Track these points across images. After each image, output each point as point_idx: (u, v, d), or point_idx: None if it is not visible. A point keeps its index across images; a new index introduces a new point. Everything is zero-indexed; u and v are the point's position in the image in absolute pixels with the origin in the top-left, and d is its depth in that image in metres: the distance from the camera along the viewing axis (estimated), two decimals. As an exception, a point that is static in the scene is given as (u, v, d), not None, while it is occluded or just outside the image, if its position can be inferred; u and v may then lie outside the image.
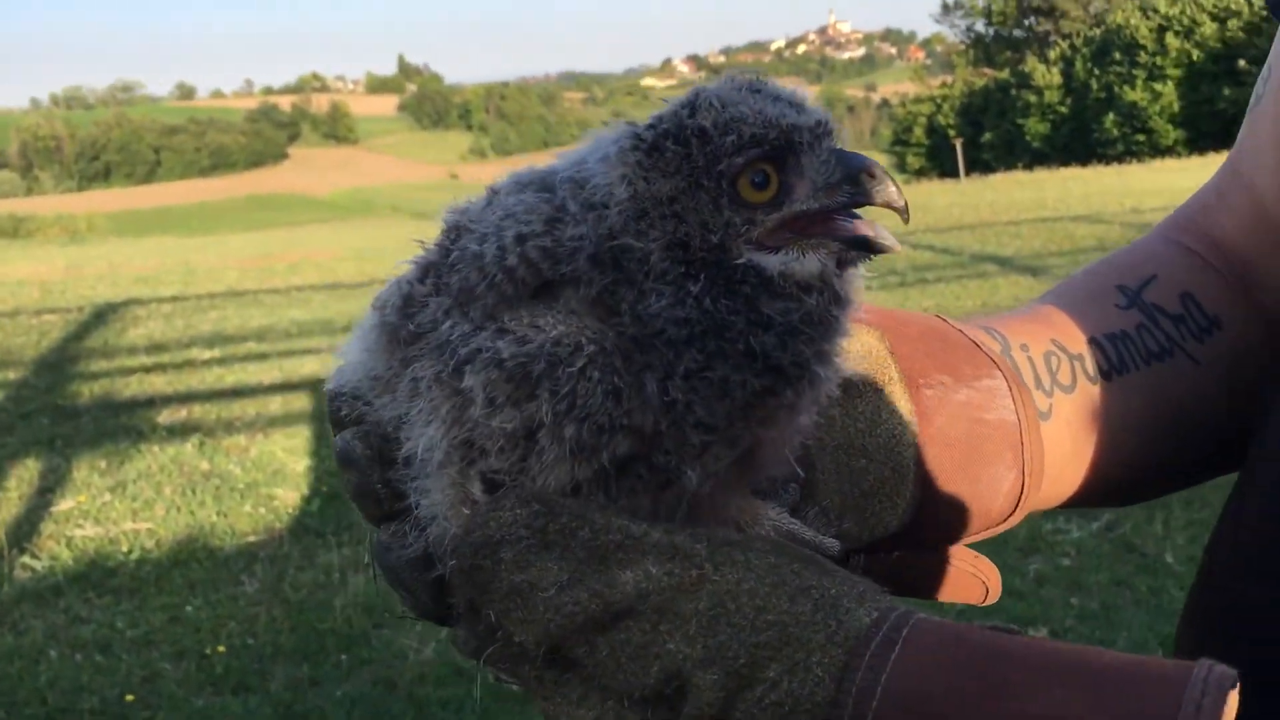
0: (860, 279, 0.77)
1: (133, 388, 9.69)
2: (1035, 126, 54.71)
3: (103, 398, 9.42)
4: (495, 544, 0.70)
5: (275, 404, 9.14)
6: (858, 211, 0.75)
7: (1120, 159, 43.52)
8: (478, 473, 0.74)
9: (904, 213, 0.75)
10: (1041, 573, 5.19)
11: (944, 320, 0.99)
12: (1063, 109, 54.42)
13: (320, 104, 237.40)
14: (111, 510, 6.76)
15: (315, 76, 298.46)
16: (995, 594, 0.98)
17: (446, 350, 0.74)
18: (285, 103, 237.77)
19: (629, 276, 0.72)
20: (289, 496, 6.94)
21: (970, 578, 0.97)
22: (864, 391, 0.90)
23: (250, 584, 5.68)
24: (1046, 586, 5.07)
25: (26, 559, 6.04)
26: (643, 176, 0.74)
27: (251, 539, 6.33)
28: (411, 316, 0.77)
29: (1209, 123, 45.85)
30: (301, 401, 9.22)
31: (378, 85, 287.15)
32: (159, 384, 9.80)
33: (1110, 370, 1.04)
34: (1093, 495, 1.06)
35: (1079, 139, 51.82)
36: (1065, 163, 42.79)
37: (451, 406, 0.73)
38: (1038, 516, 5.41)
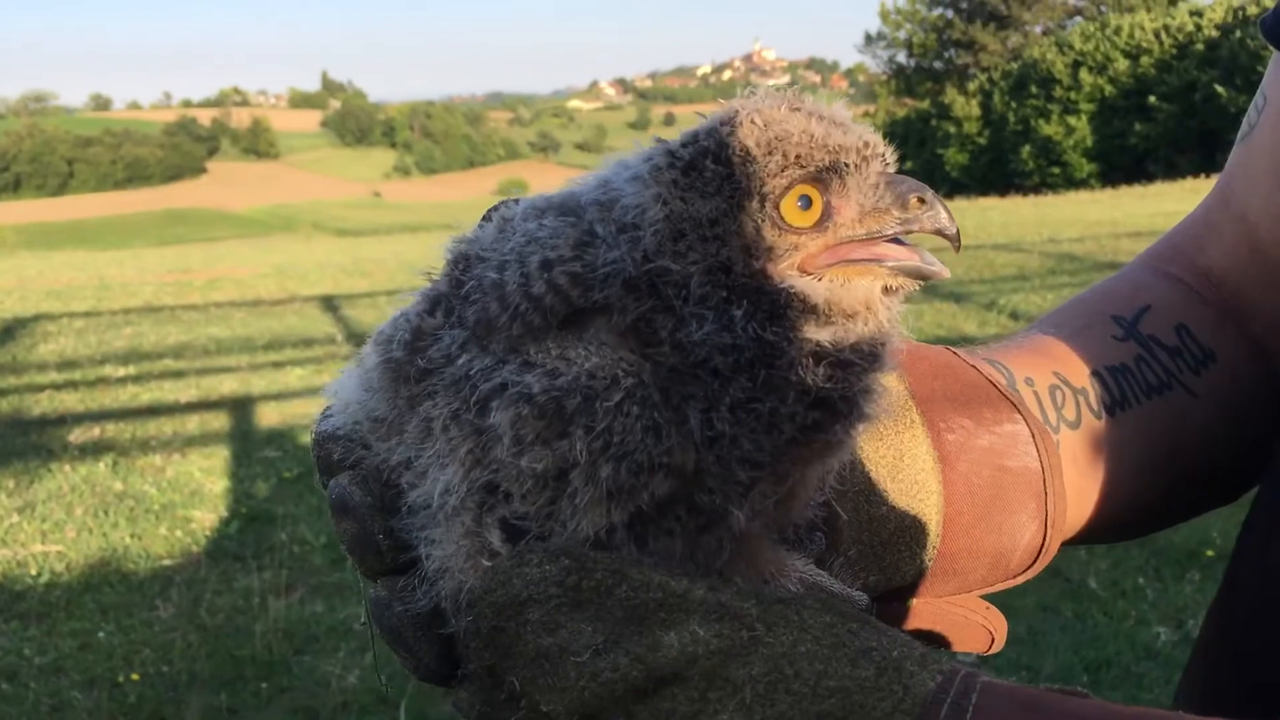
0: (901, 308, 0.74)
1: (43, 405, 9.38)
2: (955, 157, 55.71)
3: (11, 415, 9.11)
4: (521, 603, 0.64)
5: (192, 423, 8.91)
6: (903, 236, 0.72)
7: (1036, 190, 44.38)
8: (498, 520, 0.68)
9: (955, 240, 0.72)
10: (969, 597, 5.21)
11: (955, 354, 0.97)
12: (981, 140, 55.49)
13: (241, 118, 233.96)
14: (19, 532, 6.53)
15: (236, 90, 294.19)
16: (1000, 643, 0.95)
17: (465, 386, 0.68)
18: (205, 116, 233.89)
19: (667, 303, 0.67)
20: (206, 518, 6.75)
21: (978, 627, 0.94)
22: (885, 435, 0.86)
23: (165, 609, 5.51)
24: (974, 611, 5.10)
25: (-72, 582, 5.80)
26: (679, 196, 0.69)
27: (167, 562, 6.14)
28: (421, 352, 0.71)
29: (1120, 156, 47.04)
30: (220, 420, 9.00)
31: (300, 101, 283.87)
32: (70, 402, 9.50)
33: (1113, 404, 1.02)
34: (1096, 533, 1.04)
35: (997, 170, 52.88)
36: (984, 193, 43.65)
37: (472, 447, 0.68)
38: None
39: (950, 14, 67.95)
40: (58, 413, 9.11)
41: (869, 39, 71.26)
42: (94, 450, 8.11)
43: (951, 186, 52.29)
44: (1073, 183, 46.23)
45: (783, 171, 0.69)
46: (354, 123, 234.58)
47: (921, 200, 0.71)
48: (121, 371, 10.65)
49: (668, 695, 0.62)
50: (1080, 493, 0.99)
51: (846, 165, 0.70)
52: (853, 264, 0.70)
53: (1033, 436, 0.92)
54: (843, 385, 0.69)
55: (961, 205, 31.98)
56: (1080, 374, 1.02)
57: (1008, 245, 17.78)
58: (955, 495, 0.88)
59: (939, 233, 0.71)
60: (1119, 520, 1.04)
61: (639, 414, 0.66)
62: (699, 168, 0.70)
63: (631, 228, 0.69)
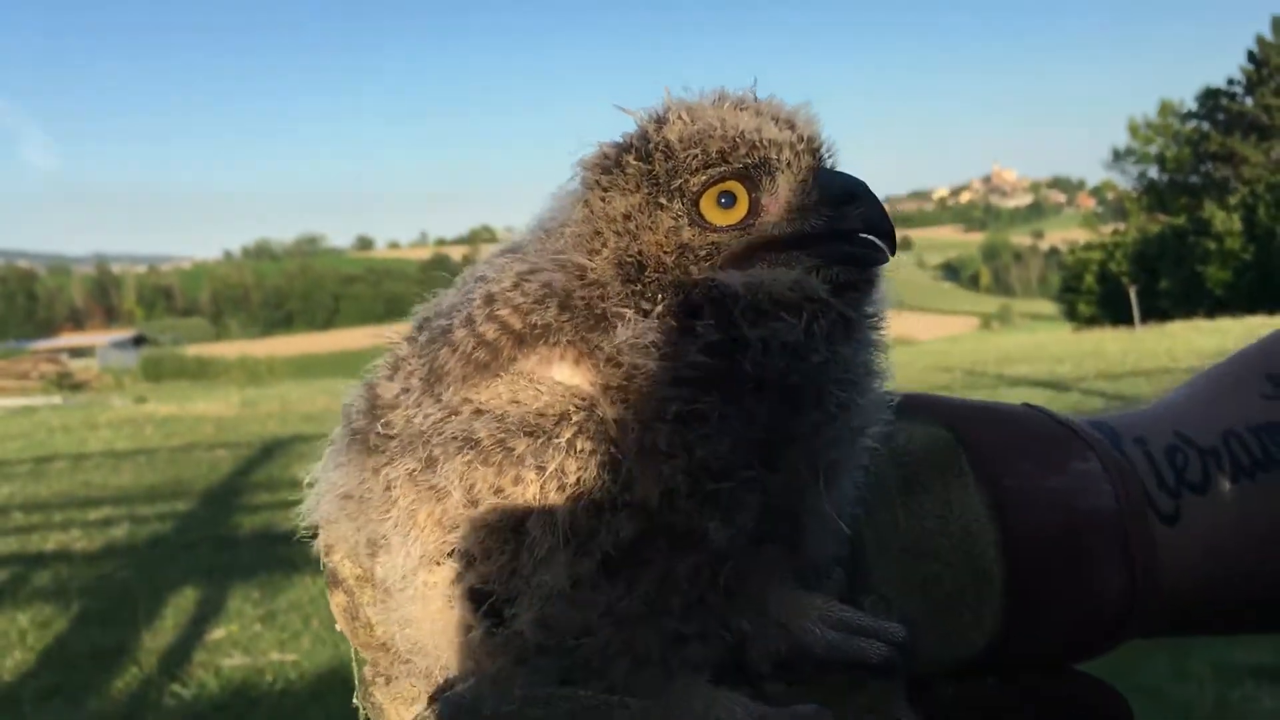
0: (886, 303, 0.67)
1: (291, 520, 9.81)
2: (1217, 274, 52.96)
3: (262, 529, 9.61)
4: None
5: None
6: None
7: (1311, 306, 41.51)
8: (466, 588, 0.61)
9: (890, 238, 0.63)
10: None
11: (1035, 409, 0.83)
12: (1246, 255, 52.59)
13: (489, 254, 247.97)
14: (261, 640, 6.77)
15: (486, 228, 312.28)
16: None
17: (419, 444, 0.62)
18: (457, 253, 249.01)
19: (595, 315, 0.61)
20: (434, 633, 6.82)
21: (1086, 710, 0.78)
22: (928, 485, 0.75)
23: (388, 722, 5.52)
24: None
25: (175, 686, 6.07)
26: (600, 195, 0.64)
27: (393, 675, 6.19)
28: (380, 417, 0.67)
29: (1407, 269, 43.53)
30: (454, 537, 9.21)
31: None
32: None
33: (1254, 467, 0.85)
34: (1237, 618, 0.87)
35: (1264, 286, 49.85)
36: (1250, 310, 41.11)
37: (431, 509, 0.61)
38: (1222, 682, 4.78)
39: (1206, 126, 65.20)
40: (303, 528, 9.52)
41: (1117, 155, 69.24)
42: (334, 564, 8.38)
43: (1214, 304, 49.66)
44: (1353, 297, 42.93)
45: (704, 168, 0.63)
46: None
47: (853, 196, 0.63)
48: (366, 489, 11.10)
49: None
50: (1210, 568, 0.83)
51: (774, 161, 0.63)
52: (776, 256, 0.64)
53: (1106, 473, 0.77)
54: (796, 371, 0.61)
55: (1226, 324, 30.17)
56: (1212, 434, 0.86)
57: None
58: (1020, 545, 0.75)
59: (870, 231, 0.63)
60: (1268, 604, 0.86)
61: (592, 449, 0.58)
62: (622, 164, 0.65)
63: (557, 234, 0.66)
